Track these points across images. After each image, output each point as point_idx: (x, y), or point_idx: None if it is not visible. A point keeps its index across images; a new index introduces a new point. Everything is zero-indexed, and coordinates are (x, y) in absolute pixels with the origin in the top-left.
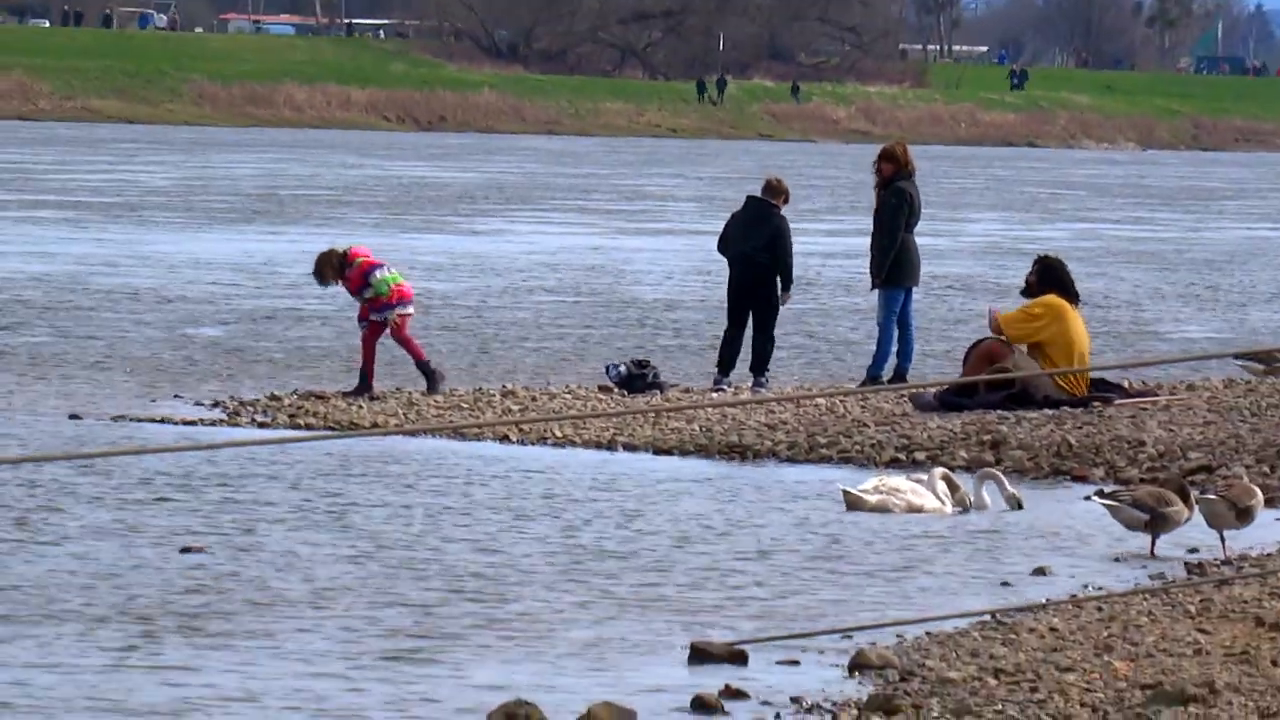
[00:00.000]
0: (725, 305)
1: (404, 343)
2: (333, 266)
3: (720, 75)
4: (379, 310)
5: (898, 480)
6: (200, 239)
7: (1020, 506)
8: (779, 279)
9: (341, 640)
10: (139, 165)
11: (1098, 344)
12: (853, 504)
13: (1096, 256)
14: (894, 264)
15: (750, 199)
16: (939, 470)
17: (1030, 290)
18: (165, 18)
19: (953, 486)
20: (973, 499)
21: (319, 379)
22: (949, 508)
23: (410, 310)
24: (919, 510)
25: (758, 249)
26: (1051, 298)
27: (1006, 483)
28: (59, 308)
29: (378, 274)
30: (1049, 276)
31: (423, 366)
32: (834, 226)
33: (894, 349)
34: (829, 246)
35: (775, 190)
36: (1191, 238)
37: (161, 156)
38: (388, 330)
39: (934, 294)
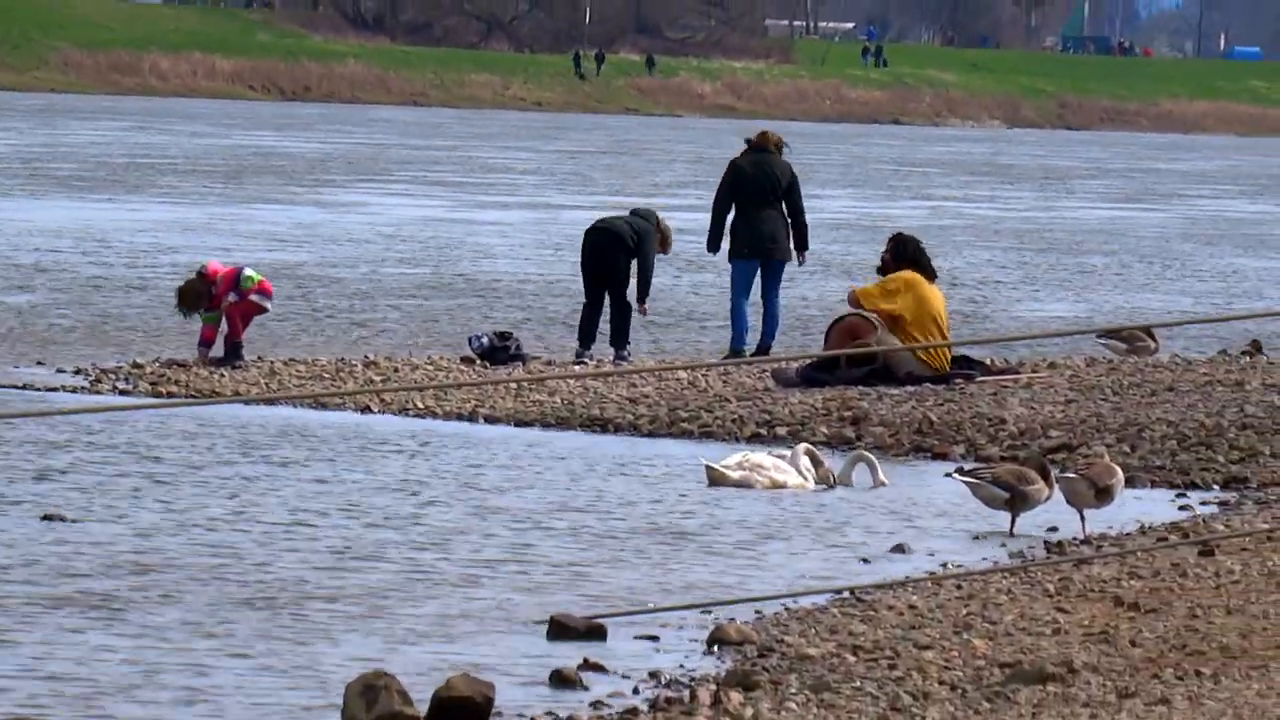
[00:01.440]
0: (580, 279)
1: (237, 319)
2: (198, 292)
3: (599, 50)
4: (259, 294)
5: (761, 456)
6: (39, 207)
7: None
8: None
9: (195, 612)
10: None
11: (956, 322)
12: (715, 479)
13: (951, 234)
14: (732, 236)
15: (632, 211)
16: (802, 446)
17: (886, 268)
18: None
19: (816, 462)
20: (837, 476)
21: (159, 350)
22: (811, 484)
23: (269, 306)
24: (781, 486)
25: (611, 220)
26: (908, 273)
27: (879, 469)
28: None
29: (246, 271)
30: (904, 253)
31: (236, 345)
32: (679, 201)
33: (751, 322)
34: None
35: (656, 225)
36: (1046, 217)
37: (13, 124)
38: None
39: (790, 270)
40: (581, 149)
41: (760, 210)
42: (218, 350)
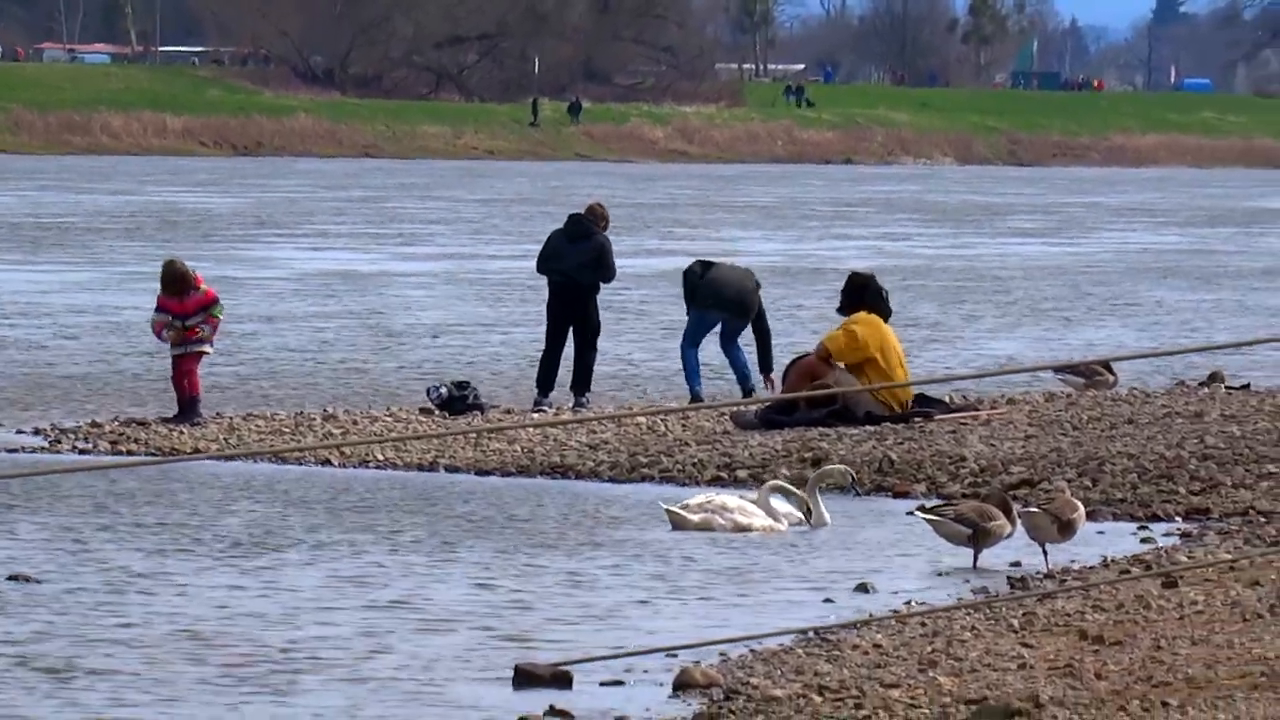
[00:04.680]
0: (545, 325)
1: (195, 372)
2: (187, 278)
3: (575, 99)
4: (212, 329)
5: (726, 498)
6: None
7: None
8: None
9: (159, 667)
10: None
11: (912, 361)
12: (677, 523)
13: (892, 273)
14: (687, 288)
15: (573, 217)
16: (770, 485)
17: (844, 308)
18: None
19: (788, 494)
20: (812, 510)
21: (105, 408)
22: (784, 525)
23: (210, 350)
24: (746, 529)
25: (580, 267)
26: (867, 315)
27: (818, 503)
28: None
29: (221, 301)
30: (860, 293)
31: (194, 400)
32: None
33: (697, 368)
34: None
35: (597, 216)
36: (978, 254)
37: None
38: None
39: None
40: (498, 197)
41: (711, 264)
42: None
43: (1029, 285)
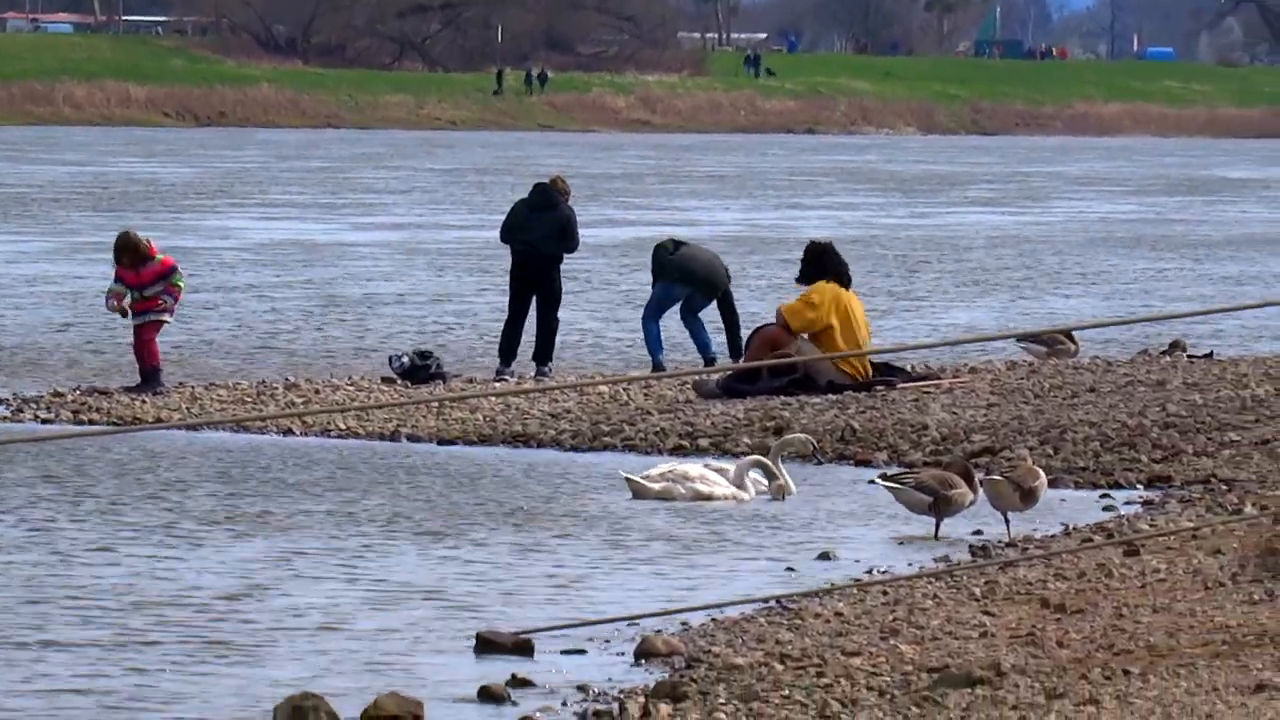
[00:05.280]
0: (508, 294)
1: (153, 342)
2: (138, 248)
3: (541, 69)
4: (174, 298)
5: (689, 466)
6: None
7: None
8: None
9: (125, 634)
10: None
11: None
12: (638, 492)
13: (850, 243)
14: (656, 264)
15: (538, 186)
16: (752, 459)
17: (804, 277)
18: None
19: (771, 475)
20: (788, 484)
21: (64, 378)
22: (749, 494)
23: (170, 320)
24: (707, 498)
25: (545, 237)
26: (827, 284)
27: (783, 471)
28: None
29: (180, 269)
30: (820, 262)
31: (155, 370)
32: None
33: (659, 338)
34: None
35: (559, 189)
36: (935, 225)
37: None
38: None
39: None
40: (456, 167)
41: (682, 246)
42: (132, 374)
43: (987, 255)
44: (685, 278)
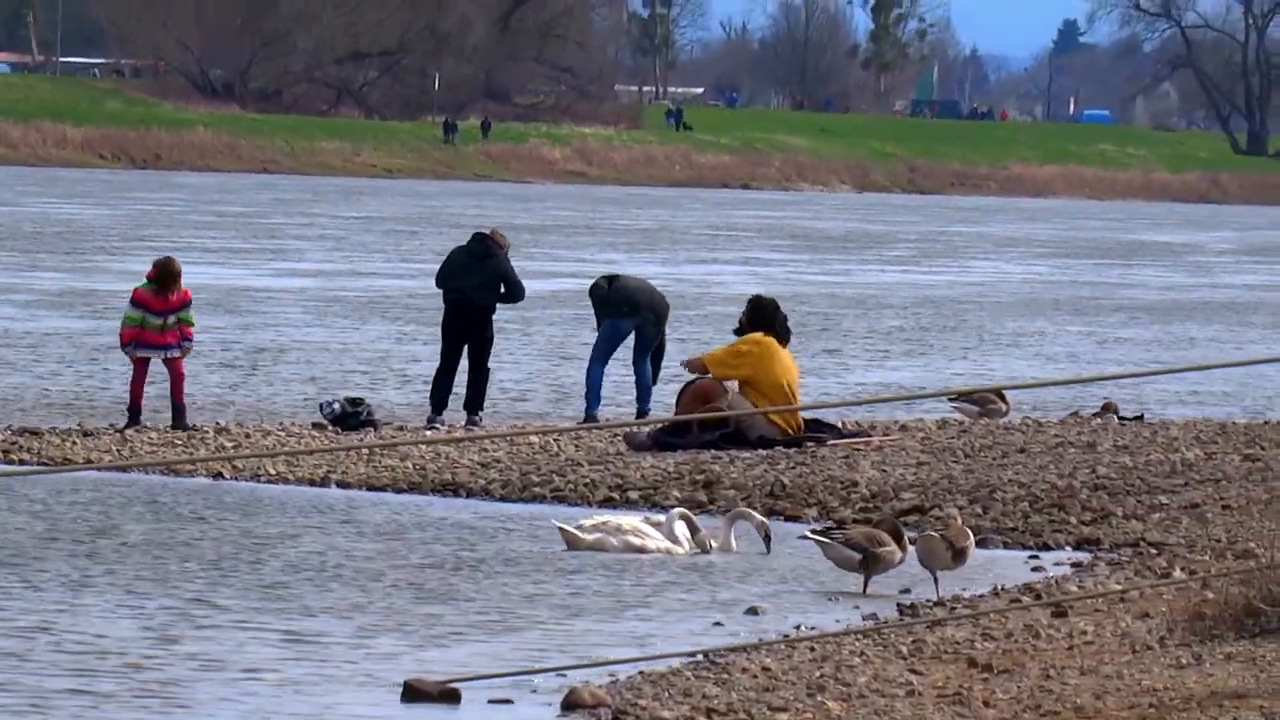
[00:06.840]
0: (440, 342)
1: (180, 376)
2: (178, 276)
3: (484, 118)
4: (188, 339)
5: (623, 519)
6: None
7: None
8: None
9: (34, 679)
10: None
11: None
12: (571, 542)
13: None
14: (597, 301)
15: (477, 234)
16: (678, 511)
17: (742, 329)
18: None
19: (693, 529)
20: (718, 541)
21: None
22: (684, 549)
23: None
24: (640, 551)
25: (480, 287)
26: (761, 335)
27: (756, 514)
28: None
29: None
30: (760, 316)
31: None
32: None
33: (599, 390)
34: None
35: (498, 243)
36: (867, 282)
37: None
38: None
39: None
40: (379, 215)
41: (619, 278)
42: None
43: (909, 313)
44: (633, 308)
